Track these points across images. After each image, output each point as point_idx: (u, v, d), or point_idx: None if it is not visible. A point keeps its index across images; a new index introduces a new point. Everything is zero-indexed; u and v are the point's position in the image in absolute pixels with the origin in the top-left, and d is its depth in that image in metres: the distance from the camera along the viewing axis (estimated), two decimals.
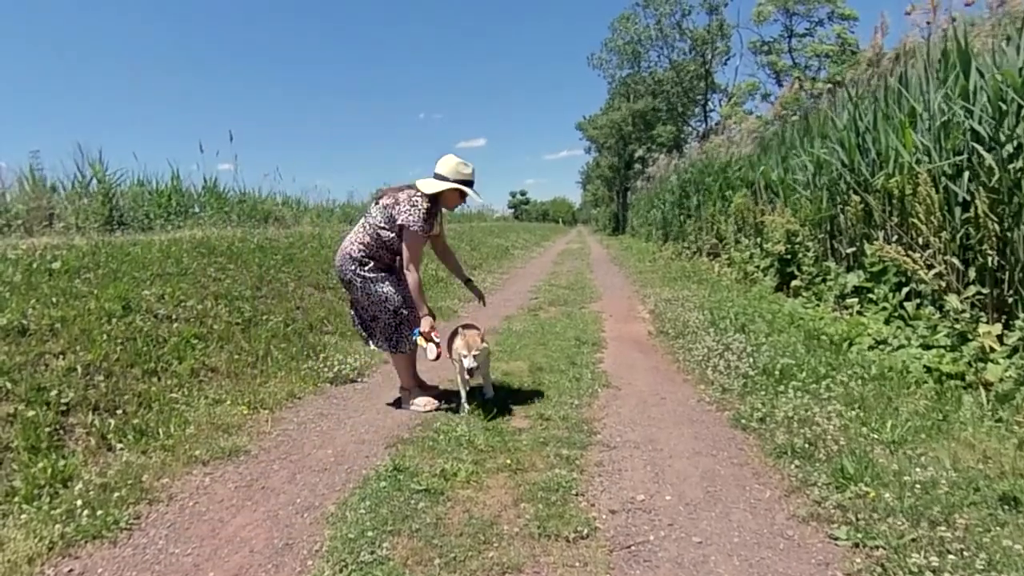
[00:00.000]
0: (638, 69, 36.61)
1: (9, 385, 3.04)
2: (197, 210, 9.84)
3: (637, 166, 34.44)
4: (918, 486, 2.19)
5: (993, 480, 2.26)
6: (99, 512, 2.36)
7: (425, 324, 3.48)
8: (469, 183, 3.62)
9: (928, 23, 6.73)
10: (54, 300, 3.90)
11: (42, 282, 4.04)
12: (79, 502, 2.42)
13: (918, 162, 5.00)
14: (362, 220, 3.70)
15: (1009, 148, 4.21)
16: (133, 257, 5.17)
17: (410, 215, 3.46)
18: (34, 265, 4.27)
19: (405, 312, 3.62)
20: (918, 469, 2.31)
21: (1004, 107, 4.27)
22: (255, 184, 13.01)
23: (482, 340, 3.47)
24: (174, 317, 4.47)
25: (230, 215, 9.94)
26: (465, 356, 3.36)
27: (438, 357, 3.47)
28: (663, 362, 4.69)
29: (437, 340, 3.48)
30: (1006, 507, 2.08)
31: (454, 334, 3.60)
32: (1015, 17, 5.29)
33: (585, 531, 2.14)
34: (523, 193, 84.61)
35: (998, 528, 1.90)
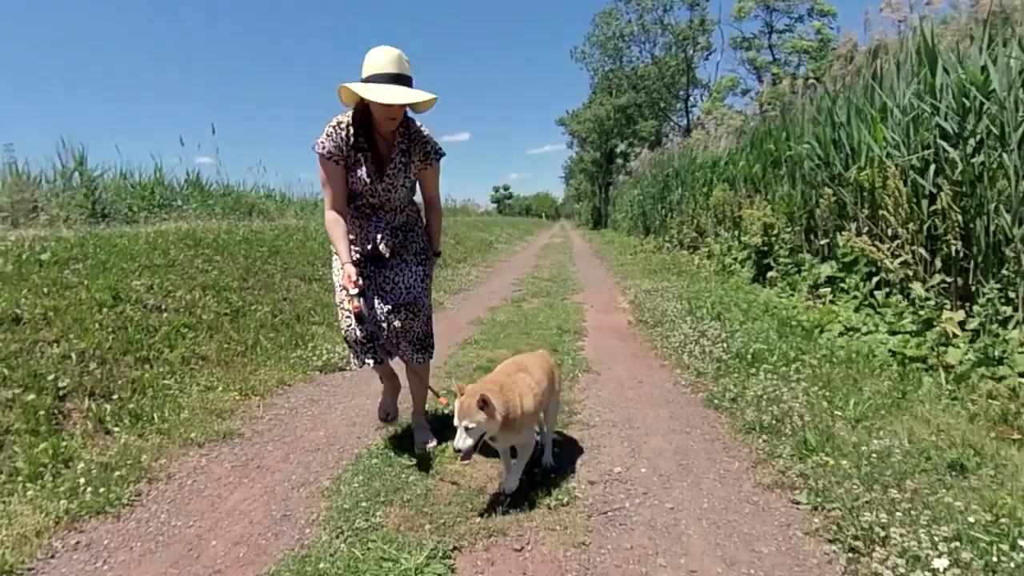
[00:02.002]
0: (620, 64, 36.79)
1: (6, 371, 3.12)
2: (180, 203, 9.82)
3: (619, 161, 34.74)
4: (874, 455, 2.36)
5: (944, 450, 2.44)
6: (101, 490, 2.47)
7: (344, 274, 2.51)
8: (383, 79, 2.47)
9: (901, 20, 6.94)
10: (45, 290, 3.96)
11: (33, 272, 4.10)
12: (81, 480, 2.52)
13: (888, 156, 5.21)
14: None
15: (972, 143, 4.43)
16: (120, 249, 5.22)
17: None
18: (23, 256, 4.32)
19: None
20: (875, 441, 2.48)
21: (967, 104, 4.47)
22: (238, 178, 12.98)
23: (486, 406, 2.12)
24: (163, 307, 4.54)
25: (214, 208, 9.93)
26: (457, 425, 2.15)
27: (359, 316, 2.52)
28: (642, 349, 4.85)
29: (355, 292, 2.46)
30: (953, 473, 2.26)
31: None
32: (980, 20, 5.50)
33: (565, 499, 2.29)
34: (506, 188, 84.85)
35: (944, 490, 2.07)
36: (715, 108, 22.91)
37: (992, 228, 4.22)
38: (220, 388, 3.81)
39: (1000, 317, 3.81)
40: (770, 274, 7.24)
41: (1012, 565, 1.55)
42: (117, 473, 2.62)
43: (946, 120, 4.63)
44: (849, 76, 7.45)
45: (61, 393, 3.20)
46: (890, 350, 4.01)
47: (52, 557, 2.09)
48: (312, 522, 2.24)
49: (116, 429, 3.11)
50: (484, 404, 2.12)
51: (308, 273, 6.83)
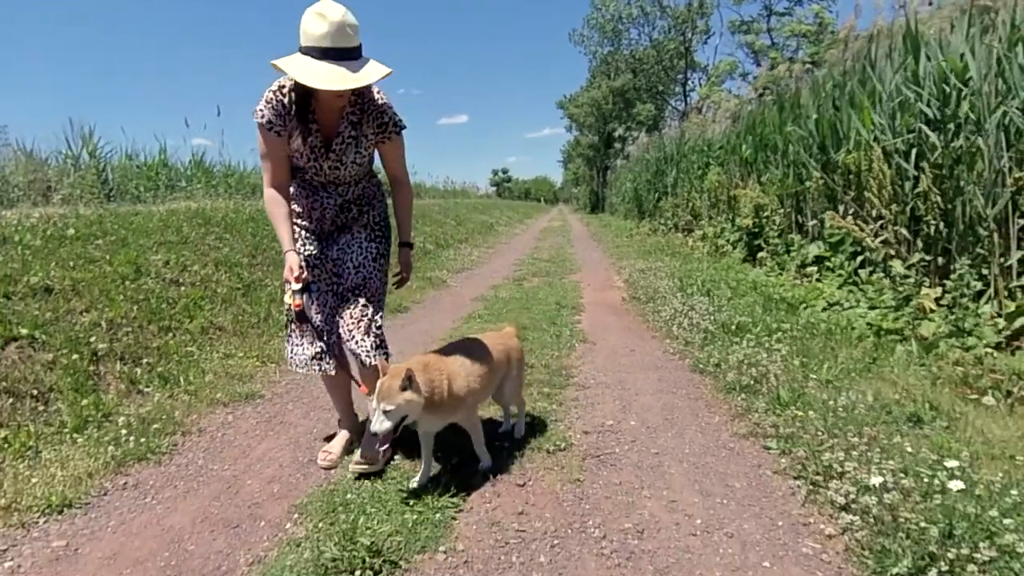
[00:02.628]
0: (619, 47, 36.77)
1: (45, 337, 3.36)
2: (184, 184, 10.01)
3: (617, 145, 34.83)
4: (840, 409, 2.63)
5: (905, 406, 2.70)
6: (142, 439, 2.72)
7: (287, 265, 2.22)
8: (320, 54, 2.07)
9: (901, 5, 7.11)
10: (71, 264, 4.19)
11: (59, 247, 4.33)
12: (123, 431, 2.78)
13: (876, 140, 5.44)
14: None
15: (951, 128, 4.66)
16: (136, 226, 5.45)
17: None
18: (49, 232, 4.55)
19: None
20: (842, 397, 2.75)
21: (948, 90, 4.70)
22: (239, 158, 13.15)
23: (408, 387, 1.97)
24: (180, 281, 4.78)
25: (217, 188, 10.14)
26: (373, 410, 1.99)
27: (299, 315, 2.24)
28: (634, 323, 5.11)
29: (298, 287, 2.18)
30: (910, 424, 2.53)
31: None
32: (964, 7, 5.68)
33: (563, 445, 2.56)
34: (505, 171, 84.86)
35: (899, 437, 2.33)
36: (712, 92, 23.03)
37: (968, 209, 4.47)
38: (239, 355, 4.07)
39: (971, 292, 4.07)
40: (760, 255, 7.50)
41: (943, 488, 1.82)
42: (154, 426, 2.88)
43: (928, 106, 4.85)
44: (848, 61, 7.62)
45: (95, 357, 3.45)
46: (868, 323, 4.26)
47: (104, 495, 2.35)
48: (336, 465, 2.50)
49: (148, 389, 3.37)
50: (406, 385, 1.96)
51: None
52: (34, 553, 1.96)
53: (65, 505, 2.23)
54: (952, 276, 4.15)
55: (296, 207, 2.42)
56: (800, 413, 2.62)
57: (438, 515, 2.02)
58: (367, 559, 1.73)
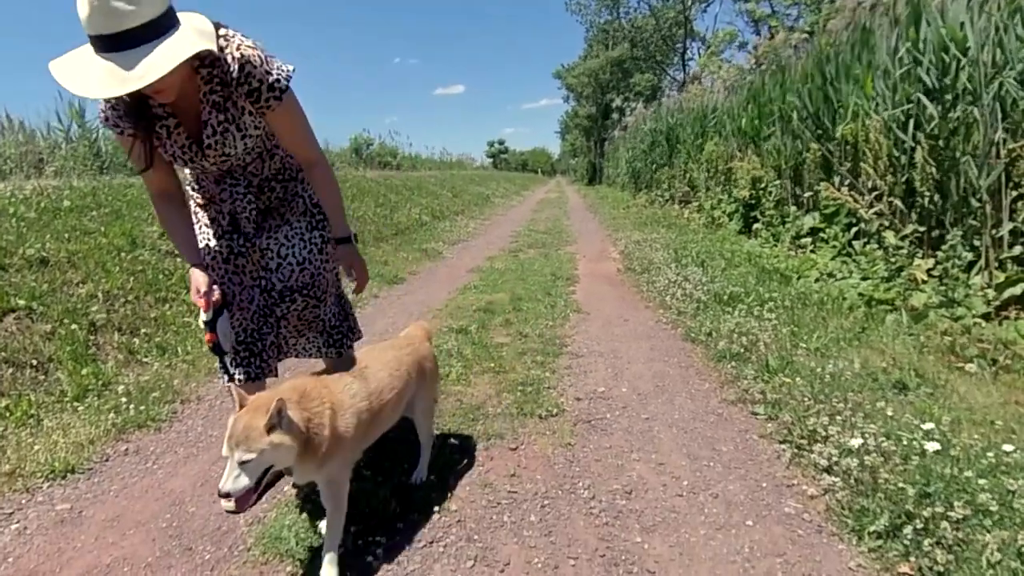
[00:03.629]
0: (616, 15, 36.21)
1: (42, 308, 3.39)
2: None
3: (615, 116, 34.48)
4: (828, 376, 2.68)
5: (891, 373, 2.75)
6: (142, 407, 2.77)
7: (191, 284, 1.79)
8: (96, 41, 1.44)
9: None
10: (67, 236, 4.20)
11: (54, 220, 4.33)
12: (123, 399, 2.83)
13: (875, 110, 5.41)
14: None
15: (949, 98, 4.63)
16: (131, 199, 5.44)
17: None
18: (43, 204, 4.54)
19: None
20: (830, 365, 2.80)
21: (947, 60, 4.66)
22: None
23: (275, 427, 1.43)
24: (175, 253, 4.79)
25: None
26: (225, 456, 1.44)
27: (213, 348, 1.80)
28: (629, 293, 5.15)
29: (207, 316, 1.76)
30: (895, 390, 2.58)
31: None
32: None
33: (555, 411, 2.62)
34: (501, 142, 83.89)
35: (883, 403, 2.39)
36: (711, 62, 22.75)
37: (962, 180, 4.47)
38: None
39: (962, 263, 4.10)
40: (756, 226, 7.52)
41: (921, 451, 1.87)
42: (153, 394, 2.92)
43: (927, 75, 4.82)
44: (849, 32, 7.52)
45: (92, 327, 3.48)
46: (860, 293, 4.31)
47: (106, 461, 2.40)
48: None
49: (146, 359, 3.41)
50: (274, 423, 1.41)
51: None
52: (39, 516, 2.01)
53: (68, 471, 2.28)
54: (943, 247, 4.18)
55: (199, 198, 1.94)
56: (788, 380, 2.67)
57: (432, 477, 2.08)
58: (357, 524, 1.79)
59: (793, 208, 7.13)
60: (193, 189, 1.96)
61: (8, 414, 2.62)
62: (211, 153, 1.75)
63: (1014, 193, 4.04)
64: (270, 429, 1.41)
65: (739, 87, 11.00)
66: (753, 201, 7.97)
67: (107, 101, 1.62)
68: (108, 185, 5.67)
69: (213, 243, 1.91)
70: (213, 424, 2.70)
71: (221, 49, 1.60)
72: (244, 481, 1.39)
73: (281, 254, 1.95)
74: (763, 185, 7.68)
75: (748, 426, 2.44)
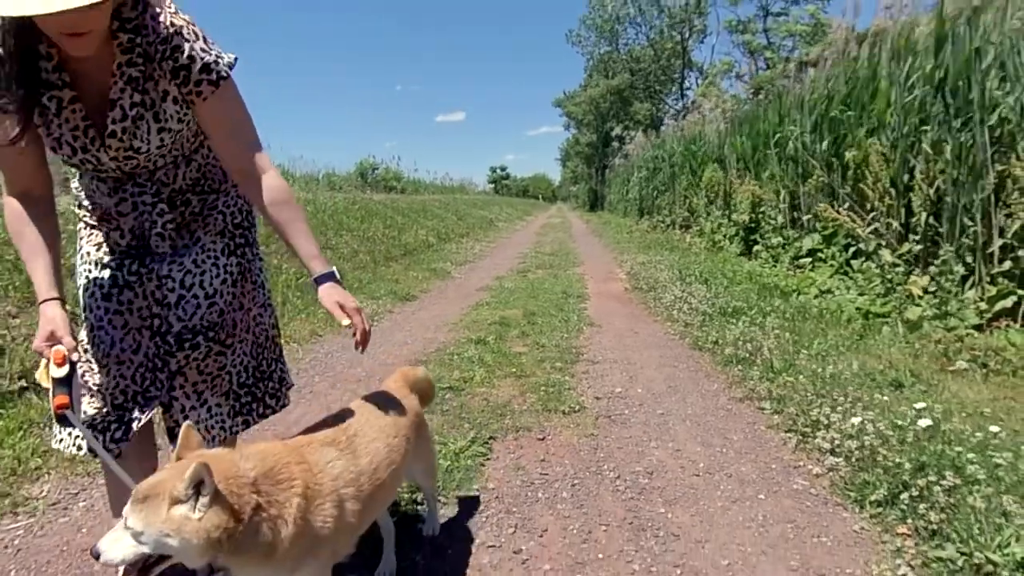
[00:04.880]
0: (616, 46, 37.07)
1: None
2: None
3: (615, 144, 35.10)
4: (828, 376, 2.89)
5: (887, 374, 2.95)
6: None
7: (40, 329, 1.26)
8: None
9: (888, 7, 7.36)
10: None
11: None
12: None
13: (875, 137, 5.67)
14: None
15: (956, 124, 4.87)
16: None
17: None
18: None
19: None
20: (830, 367, 3.01)
21: (954, 89, 4.91)
22: None
23: (185, 500, 0.97)
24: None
25: None
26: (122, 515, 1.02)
27: (60, 419, 1.24)
28: (637, 309, 5.36)
29: (60, 373, 1.21)
30: (892, 388, 2.78)
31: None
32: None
33: (577, 408, 2.81)
34: (503, 168, 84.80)
35: (878, 395, 2.59)
36: (709, 91, 23.32)
37: (957, 201, 4.71)
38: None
39: (955, 277, 4.32)
40: (756, 248, 7.77)
41: (915, 432, 2.07)
42: None
43: (935, 104, 5.04)
44: (844, 61, 7.82)
45: None
46: (857, 308, 4.52)
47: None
48: None
49: None
50: (185, 495, 0.97)
51: (321, 242, 7.31)
52: (99, 499, 2.19)
53: None
54: (936, 261, 4.40)
55: (88, 214, 1.50)
56: (791, 379, 2.87)
57: (469, 461, 2.27)
58: (408, 495, 1.97)
59: (792, 231, 7.39)
60: (80, 203, 1.51)
61: None
62: (113, 143, 1.33)
63: (1004, 212, 4.28)
64: (175, 502, 0.98)
65: (737, 116, 11.36)
66: (753, 224, 8.24)
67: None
68: None
69: (93, 272, 1.47)
70: None
71: (153, 14, 1.27)
72: (124, 551, 1.00)
73: (185, 284, 1.49)
74: (763, 209, 7.95)
75: (756, 419, 2.64)
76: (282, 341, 1.80)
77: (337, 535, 1.19)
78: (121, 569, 1.05)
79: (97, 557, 1.01)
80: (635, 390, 3.08)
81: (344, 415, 1.41)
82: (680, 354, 3.75)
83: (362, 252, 8.53)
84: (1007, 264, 4.19)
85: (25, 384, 2.93)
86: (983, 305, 4.04)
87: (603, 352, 3.86)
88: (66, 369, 1.22)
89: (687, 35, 34.96)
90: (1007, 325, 3.83)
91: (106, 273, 1.46)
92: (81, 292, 1.48)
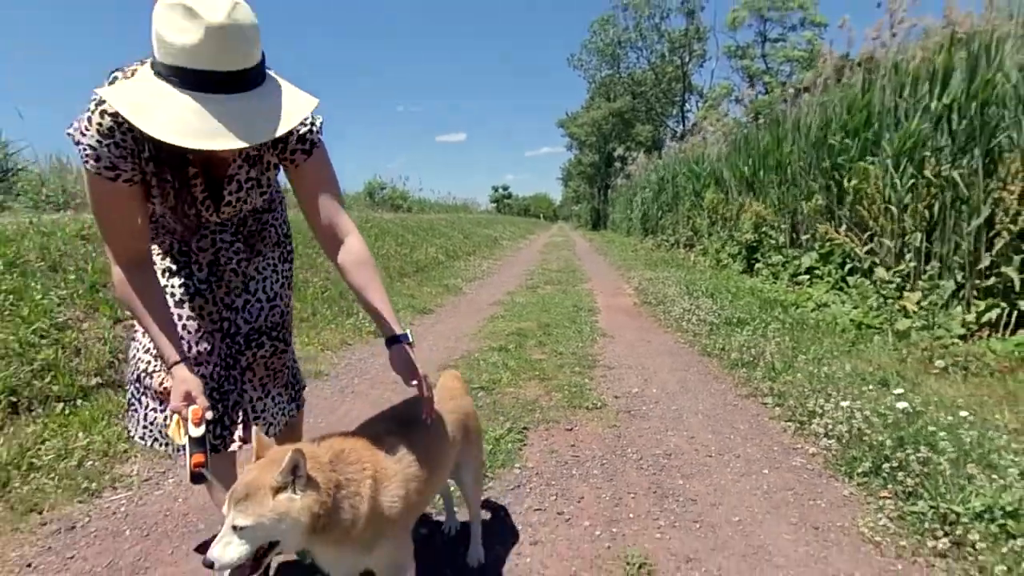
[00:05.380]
0: (617, 70, 37.81)
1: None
2: None
3: (617, 164, 35.69)
4: (823, 375, 3.22)
5: (876, 375, 3.28)
6: None
7: (177, 388, 1.35)
8: (202, 83, 1.15)
9: (875, 37, 7.77)
10: None
11: None
12: None
13: (870, 161, 6.03)
14: None
15: (947, 153, 5.22)
16: None
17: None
18: None
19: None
20: (825, 368, 3.33)
21: (951, 118, 5.25)
22: None
23: (285, 487, 1.12)
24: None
25: None
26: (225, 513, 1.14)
27: (196, 476, 1.30)
28: (647, 322, 5.69)
29: (198, 432, 1.32)
30: (879, 386, 3.10)
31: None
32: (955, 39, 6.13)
33: (599, 404, 3.14)
34: (505, 188, 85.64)
35: (867, 390, 2.91)
36: (709, 114, 23.86)
37: (950, 221, 5.04)
38: (297, 343, 4.62)
39: (942, 291, 4.66)
40: (757, 266, 8.12)
41: (896, 413, 2.39)
42: None
43: (934, 133, 5.37)
44: (839, 88, 8.18)
45: None
46: (851, 319, 4.85)
47: None
48: None
49: None
50: (284, 482, 1.12)
51: None
52: (185, 477, 2.50)
53: None
54: (924, 276, 4.74)
55: (162, 243, 1.58)
56: (790, 378, 3.21)
57: (508, 446, 2.58)
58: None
59: (791, 250, 7.75)
60: (153, 238, 1.57)
61: None
62: (227, 210, 1.52)
63: (992, 232, 4.62)
64: (278, 490, 1.11)
65: (737, 139, 11.77)
66: (755, 244, 8.60)
67: (108, 136, 1.28)
68: None
69: (163, 281, 1.54)
70: (304, 416, 3.21)
71: None
72: (237, 551, 1.10)
73: (250, 289, 1.65)
74: (765, 228, 8.32)
75: (759, 412, 2.97)
76: (314, 348, 1.97)
77: (405, 514, 1.33)
78: (227, 572, 1.13)
79: (211, 566, 1.09)
80: (650, 390, 3.41)
81: (404, 407, 1.55)
82: (690, 360, 4.08)
83: (377, 268, 8.89)
84: (992, 280, 4.53)
85: (101, 381, 3.26)
86: (969, 317, 4.37)
87: (618, 359, 4.18)
88: (203, 429, 1.33)
89: (687, 59, 35.70)
90: (989, 335, 4.16)
91: (177, 281, 1.56)
92: None
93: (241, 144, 1.17)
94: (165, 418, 1.55)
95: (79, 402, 3.01)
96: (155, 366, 1.55)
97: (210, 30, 1.10)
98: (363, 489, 1.23)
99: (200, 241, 1.56)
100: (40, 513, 2.14)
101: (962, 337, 4.20)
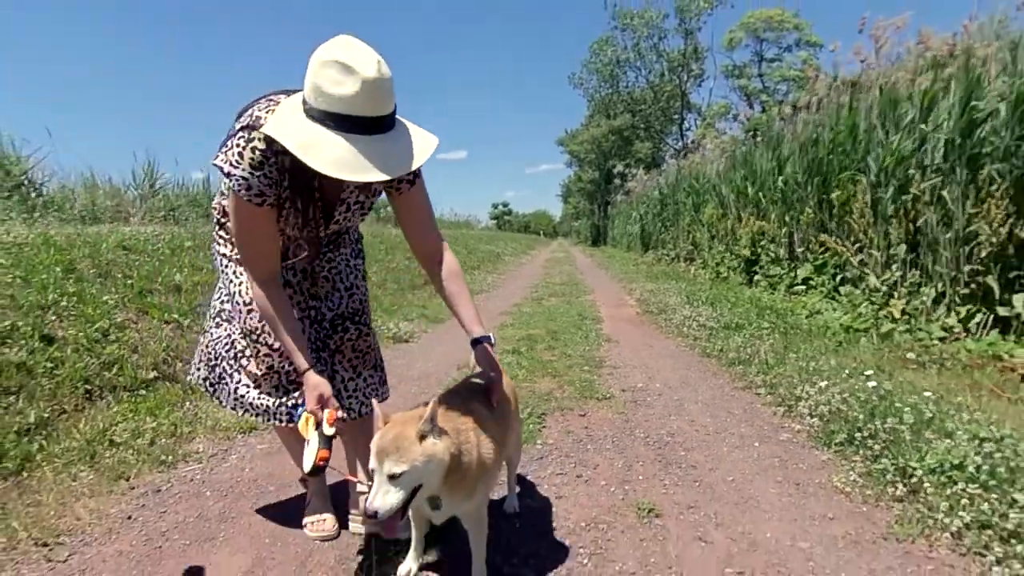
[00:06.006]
0: (616, 89, 38.49)
1: (188, 322, 4.27)
2: None
3: (617, 181, 36.24)
4: (811, 369, 3.56)
5: (858, 368, 3.61)
6: None
7: (310, 395, 1.64)
8: (353, 126, 1.41)
9: (862, 60, 8.19)
10: (193, 267, 5.13)
11: (182, 254, 5.27)
12: None
13: (860, 178, 6.40)
14: None
15: (929, 170, 5.58)
16: None
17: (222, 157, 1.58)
18: (172, 242, 5.51)
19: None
20: (812, 364, 3.67)
21: (923, 135, 5.62)
22: None
23: (426, 435, 1.38)
24: None
25: None
26: (371, 474, 1.38)
27: (318, 469, 1.57)
28: (650, 329, 6.03)
29: (331, 431, 1.59)
30: (861, 377, 3.43)
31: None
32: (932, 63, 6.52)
33: (608, 396, 3.48)
34: (505, 204, 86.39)
35: (850, 379, 3.25)
36: (708, 132, 24.37)
37: (932, 233, 5.39)
38: None
39: (924, 298, 5.01)
40: (756, 277, 8.49)
41: (871, 400, 2.74)
42: None
43: (918, 151, 5.72)
44: (828, 109, 8.58)
45: None
46: (840, 324, 5.20)
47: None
48: None
49: None
50: (426, 431, 1.36)
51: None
52: (246, 453, 2.83)
53: (252, 428, 3.10)
54: (905, 283, 5.10)
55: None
56: (781, 371, 3.55)
57: (530, 427, 2.92)
58: None
59: (787, 262, 8.12)
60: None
61: (198, 388, 3.47)
62: (334, 227, 1.78)
63: (972, 244, 4.97)
64: (422, 437, 1.35)
65: (735, 156, 12.17)
66: (754, 257, 8.97)
67: (259, 168, 1.52)
68: (201, 233, 6.64)
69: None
70: None
71: None
72: (395, 497, 1.30)
73: (331, 279, 1.90)
74: (763, 242, 8.69)
75: (753, 399, 3.32)
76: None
77: (495, 465, 1.60)
78: (382, 525, 1.37)
79: (375, 516, 1.29)
80: (654, 385, 3.75)
81: (477, 383, 1.79)
82: (691, 360, 4.42)
83: (389, 281, 9.27)
84: (972, 288, 4.88)
85: (158, 374, 3.60)
86: (950, 321, 4.72)
87: (623, 360, 4.52)
88: (333, 429, 1.58)
89: (685, 78, 36.38)
90: (966, 336, 4.50)
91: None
92: (241, 292, 1.78)
93: (385, 177, 1.41)
94: (291, 411, 1.81)
95: (142, 392, 3.35)
96: (252, 351, 1.81)
97: (364, 83, 1.35)
98: (471, 439, 1.48)
99: (296, 249, 1.79)
100: (127, 480, 2.47)
101: (942, 339, 4.55)
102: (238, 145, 1.53)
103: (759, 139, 11.12)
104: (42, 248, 4.29)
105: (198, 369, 2.06)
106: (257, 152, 1.52)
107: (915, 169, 5.64)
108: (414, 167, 1.49)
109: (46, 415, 2.84)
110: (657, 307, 7.00)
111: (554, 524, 2.02)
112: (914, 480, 2.04)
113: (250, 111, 1.57)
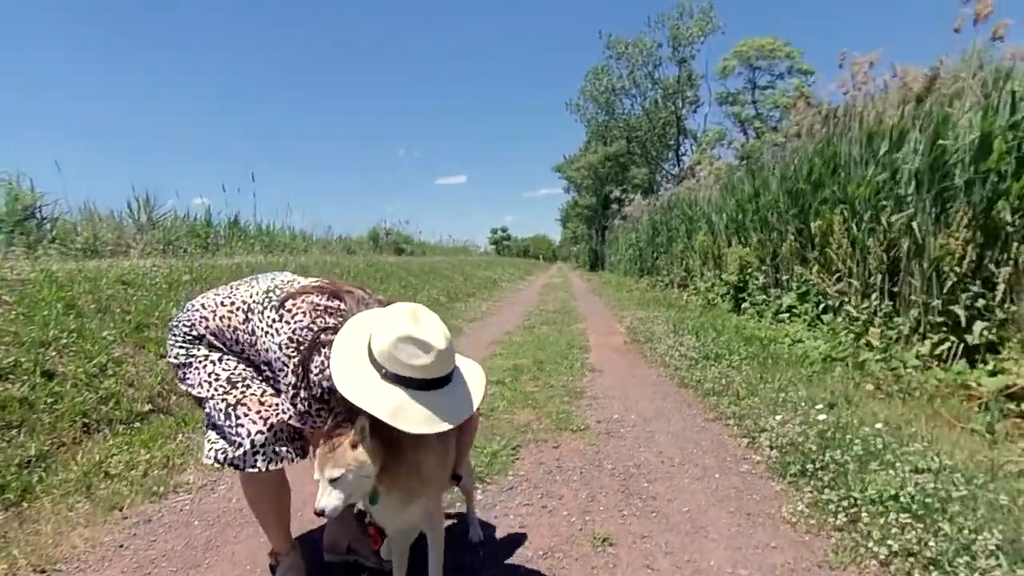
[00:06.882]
0: (612, 115, 39.06)
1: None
2: (222, 242, 11.22)
3: (614, 206, 36.59)
4: (781, 399, 3.70)
5: (826, 399, 3.76)
6: None
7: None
8: (422, 384, 1.65)
9: (845, 92, 8.44)
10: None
11: (179, 288, 5.44)
12: None
13: (838, 209, 6.59)
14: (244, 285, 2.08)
15: (899, 198, 5.77)
16: (217, 274, 6.57)
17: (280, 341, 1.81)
18: (170, 276, 5.68)
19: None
20: (783, 395, 3.82)
21: (898, 167, 5.82)
22: (267, 218, 14.54)
23: (359, 445, 1.59)
24: None
25: (253, 246, 11.38)
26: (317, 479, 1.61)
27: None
28: (635, 358, 6.17)
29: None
30: (828, 407, 3.58)
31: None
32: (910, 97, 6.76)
33: (583, 427, 3.62)
34: (504, 229, 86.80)
35: (814, 410, 3.39)
36: (703, 158, 24.71)
37: (907, 264, 5.56)
38: None
39: (896, 328, 5.16)
40: (743, 305, 8.65)
41: (825, 432, 2.88)
42: None
43: (893, 183, 5.92)
44: (819, 134, 8.78)
45: None
46: (820, 353, 5.35)
47: None
48: None
49: None
50: (356, 442, 1.57)
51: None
52: (233, 484, 2.96)
53: None
54: (878, 314, 5.26)
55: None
56: (751, 402, 3.69)
57: (503, 459, 3.06)
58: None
59: (774, 290, 8.28)
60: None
61: (190, 420, 3.61)
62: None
63: (942, 275, 5.13)
64: (354, 446, 1.56)
65: (726, 183, 12.41)
66: (741, 284, 9.14)
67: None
68: (200, 265, 6.83)
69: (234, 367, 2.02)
70: None
71: None
72: (335, 500, 1.55)
73: None
74: (750, 270, 8.87)
75: (721, 431, 3.46)
76: None
77: (438, 478, 1.81)
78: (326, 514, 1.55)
79: (322, 513, 1.54)
80: (630, 416, 3.89)
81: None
82: (669, 391, 4.57)
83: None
84: (943, 317, 5.04)
85: (152, 407, 3.75)
86: (923, 350, 4.86)
87: (604, 390, 4.66)
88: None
89: (680, 105, 36.93)
90: (938, 365, 4.65)
91: (240, 366, 2.01)
92: (223, 362, 2.02)
93: (449, 426, 1.64)
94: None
95: (137, 424, 3.50)
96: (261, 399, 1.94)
97: (438, 354, 1.61)
98: (405, 447, 1.67)
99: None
100: (121, 510, 2.61)
101: (917, 368, 4.69)
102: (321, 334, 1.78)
103: (748, 167, 11.37)
104: (44, 284, 4.46)
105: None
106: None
107: (888, 200, 5.83)
108: (472, 411, 1.76)
109: (46, 448, 2.99)
110: (644, 335, 7.15)
111: (514, 552, 2.15)
112: (854, 510, 2.19)
113: (301, 322, 1.79)
